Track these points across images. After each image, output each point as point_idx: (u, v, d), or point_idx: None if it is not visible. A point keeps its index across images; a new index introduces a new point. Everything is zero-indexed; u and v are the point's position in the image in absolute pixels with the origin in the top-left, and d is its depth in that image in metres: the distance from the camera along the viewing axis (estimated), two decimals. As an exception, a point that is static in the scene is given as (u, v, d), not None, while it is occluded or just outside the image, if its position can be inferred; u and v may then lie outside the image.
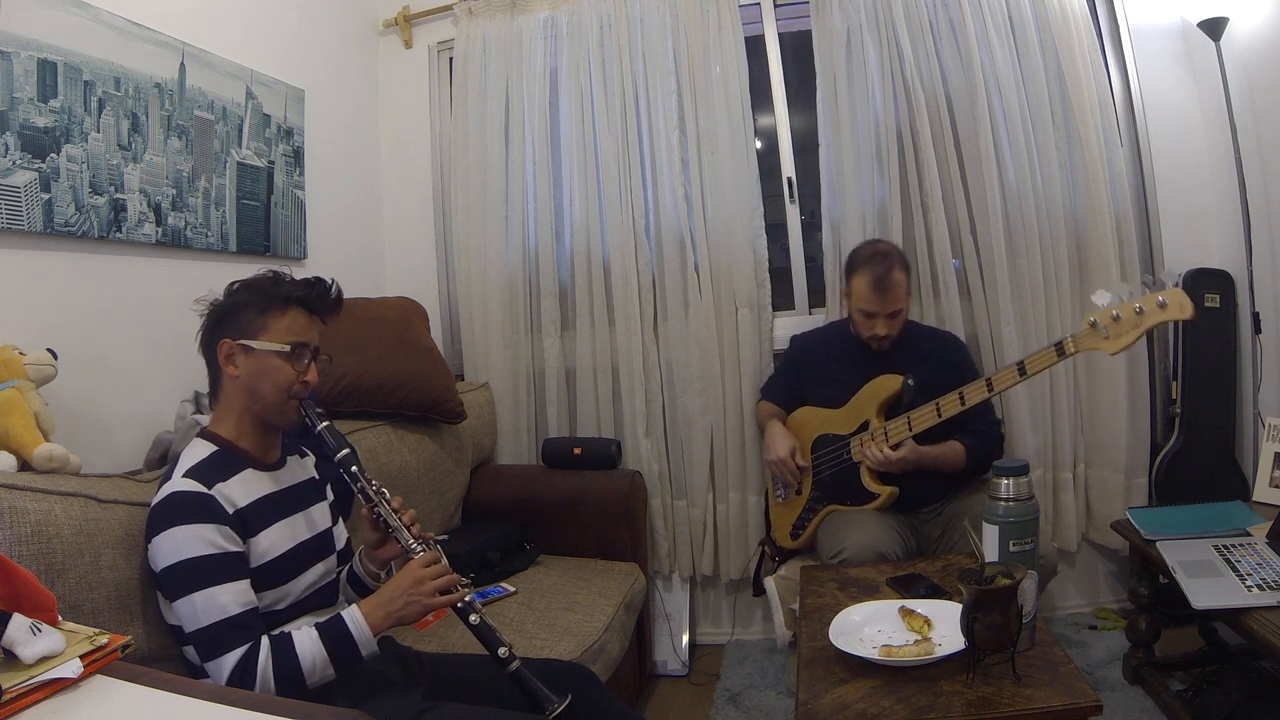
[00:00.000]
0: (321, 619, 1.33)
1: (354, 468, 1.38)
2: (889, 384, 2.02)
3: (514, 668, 1.32)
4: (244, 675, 1.17)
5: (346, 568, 1.52)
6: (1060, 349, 1.80)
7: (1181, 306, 1.68)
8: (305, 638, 1.24)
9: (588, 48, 2.66)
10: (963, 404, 1.88)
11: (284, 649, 1.22)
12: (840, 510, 2.06)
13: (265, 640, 1.21)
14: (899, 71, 2.46)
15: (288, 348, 1.33)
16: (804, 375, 2.26)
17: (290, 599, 1.34)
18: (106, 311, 1.77)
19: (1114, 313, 1.73)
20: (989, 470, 2.13)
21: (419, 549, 1.37)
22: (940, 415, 1.91)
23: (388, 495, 1.40)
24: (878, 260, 2.04)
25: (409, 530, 1.38)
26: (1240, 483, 2.30)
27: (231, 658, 1.18)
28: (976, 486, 2.07)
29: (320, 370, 1.39)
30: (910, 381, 1.97)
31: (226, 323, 1.34)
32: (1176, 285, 1.72)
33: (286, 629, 1.29)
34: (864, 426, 2.05)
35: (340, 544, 1.49)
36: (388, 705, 1.29)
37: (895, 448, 1.94)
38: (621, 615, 2.05)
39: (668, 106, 2.59)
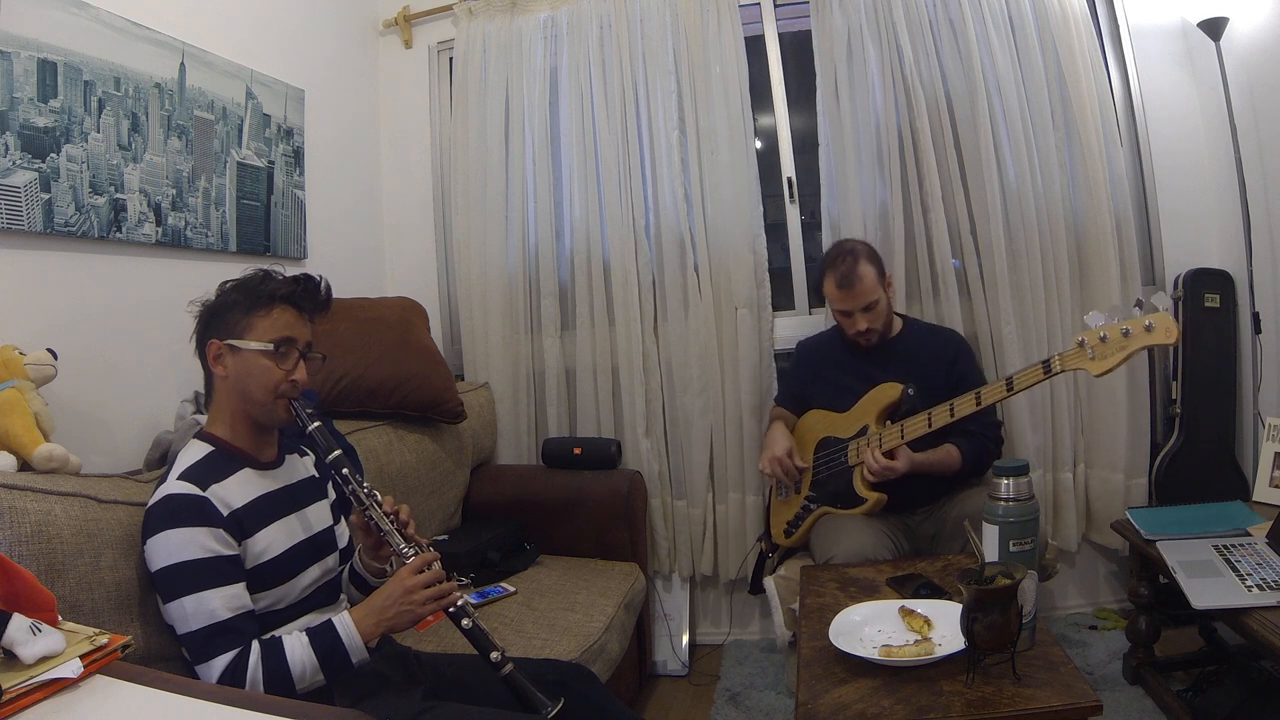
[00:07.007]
0: (320, 620, 1.33)
1: (344, 470, 1.37)
2: (890, 392, 2.05)
3: (507, 671, 1.32)
4: (233, 680, 1.17)
5: (348, 565, 1.52)
6: (1047, 367, 1.83)
7: (1168, 331, 1.68)
8: (296, 643, 1.24)
9: (588, 47, 2.66)
10: (952, 416, 1.92)
11: (274, 654, 1.22)
12: (833, 513, 2.07)
13: (256, 645, 1.21)
14: (899, 71, 2.46)
15: (271, 346, 1.32)
16: (807, 379, 2.28)
17: (289, 599, 1.33)
18: (106, 311, 1.77)
19: (1101, 334, 1.74)
20: (987, 470, 2.16)
21: (410, 553, 1.35)
22: (931, 425, 1.94)
23: (379, 497, 1.38)
24: (841, 258, 2.08)
25: (400, 534, 1.37)
26: (1240, 483, 2.30)
27: (220, 662, 1.18)
28: (971, 487, 2.08)
29: (312, 368, 1.38)
30: (910, 391, 2.01)
31: (214, 323, 1.34)
32: (1167, 310, 1.71)
33: (281, 631, 1.29)
34: (863, 431, 2.07)
35: (342, 542, 1.49)
36: (387, 705, 1.29)
37: (890, 455, 1.96)
38: (621, 615, 2.05)
39: (667, 106, 2.59)
